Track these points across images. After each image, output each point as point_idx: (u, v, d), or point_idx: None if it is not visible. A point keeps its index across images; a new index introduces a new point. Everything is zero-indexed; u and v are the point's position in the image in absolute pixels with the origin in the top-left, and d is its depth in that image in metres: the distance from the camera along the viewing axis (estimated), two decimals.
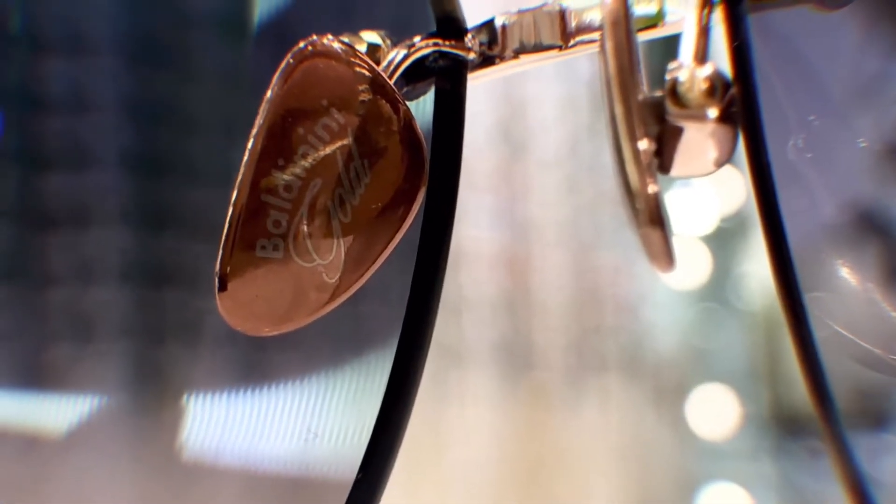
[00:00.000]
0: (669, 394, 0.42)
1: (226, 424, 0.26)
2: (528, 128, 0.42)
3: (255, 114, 0.17)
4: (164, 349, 0.28)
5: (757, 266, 0.42)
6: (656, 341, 0.43)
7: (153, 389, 0.27)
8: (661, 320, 0.43)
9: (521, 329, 0.42)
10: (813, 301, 0.16)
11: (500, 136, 0.42)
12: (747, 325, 0.42)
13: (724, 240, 0.43)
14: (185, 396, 0.26)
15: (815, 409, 0.16)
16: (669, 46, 0.17)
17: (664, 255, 0.13)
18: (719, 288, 0.43)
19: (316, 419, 0.25)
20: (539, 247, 0.42)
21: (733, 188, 0.42)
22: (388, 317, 0.18)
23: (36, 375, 0.27)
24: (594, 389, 0.42)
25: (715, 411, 0.42)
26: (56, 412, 0.26)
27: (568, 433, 0.41)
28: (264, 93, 0.17)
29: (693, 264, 0.42)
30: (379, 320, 0.20)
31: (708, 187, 0.42)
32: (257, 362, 0.27)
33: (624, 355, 0.43)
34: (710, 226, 0.42)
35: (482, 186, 0.41)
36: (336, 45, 0.17)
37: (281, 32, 0.27)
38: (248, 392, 0.26)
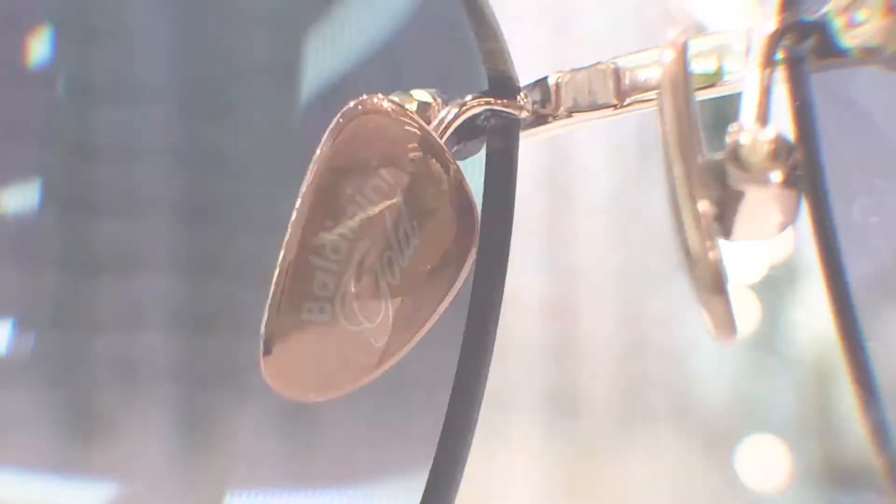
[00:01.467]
0: (719, 444, 0.41)
1: (271, 467, 0.26)
2: (575, 174, 0.42)
3: (305, 166, 0.17)
4: (211, 396, 0.28)
5: (806, 315, 0.41)
6: (705, 390, 0.42)
7: (200, 436, 0.27)
8: (710, 369, 0.42)
9: (568, 377, 0.42)
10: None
11: (547, 183, 0.42)
12: (797, 375, 0.42)
13: (773, 288, 0.42)
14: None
15: (878, 462, 0.16)
16: (717, 102, 0.16)
17: (726, 323, 0.13)
18: (768, 337, 0.42)
19: (361, 473, 0.24)
20: (586, 294, 0.42)
21: (782, 237, 0.41)
22: (435, 363, 0.18)
23: (84, 422, 0.27)
24: (642, 439, 0.41)
25: (766, 462, 0.41)
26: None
27: (616, 483, 0.40)
28: (313, 144, 0.17)
29: (742, 313, 0.42)
30: (425, 367, 0.20)
31: None
32: (302, 408, 0.26)
33: (672, 404, 0.42)
34: (759, 274, 0.42)
35: (528, 233, 0.41)
36: (386, 103, 0.16)
37: (331, 82, 0.27)
38: (291, 438, 0.26)
